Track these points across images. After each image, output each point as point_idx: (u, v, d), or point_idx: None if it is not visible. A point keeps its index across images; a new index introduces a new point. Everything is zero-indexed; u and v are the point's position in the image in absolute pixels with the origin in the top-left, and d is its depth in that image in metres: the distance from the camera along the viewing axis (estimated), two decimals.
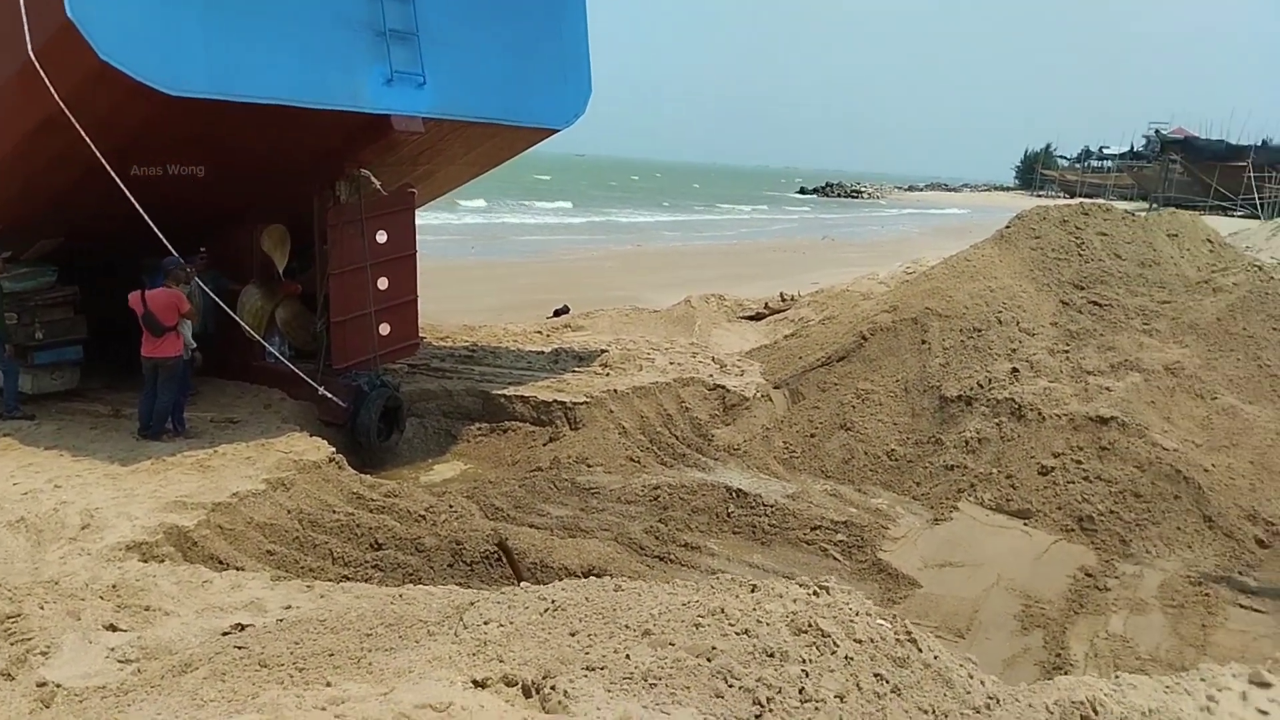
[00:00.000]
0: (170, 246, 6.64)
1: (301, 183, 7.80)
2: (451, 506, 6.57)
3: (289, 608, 3.80)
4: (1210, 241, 9.62)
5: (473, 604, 2.80)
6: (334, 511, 6.33)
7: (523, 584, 3.36)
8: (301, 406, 8.05)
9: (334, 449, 7.14)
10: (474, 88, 8.01)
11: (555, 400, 8.68)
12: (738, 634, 2.32)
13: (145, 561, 5.04)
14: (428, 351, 10.31)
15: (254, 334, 7.79)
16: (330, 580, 5.28)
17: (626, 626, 2.43)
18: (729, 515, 7.09)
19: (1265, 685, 2.81)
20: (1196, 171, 54.68)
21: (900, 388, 8.65)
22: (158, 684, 2.90)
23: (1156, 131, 65.95)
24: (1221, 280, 8.78)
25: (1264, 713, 2.69)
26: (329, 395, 7.77)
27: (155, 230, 6.45)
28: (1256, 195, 47.19)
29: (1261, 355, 7.96)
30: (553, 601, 2.74)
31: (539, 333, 12.06)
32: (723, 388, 9.16)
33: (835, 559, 6.56)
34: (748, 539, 6.85)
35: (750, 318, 13.69)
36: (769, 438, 8.63)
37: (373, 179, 7.97)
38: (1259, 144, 54.92)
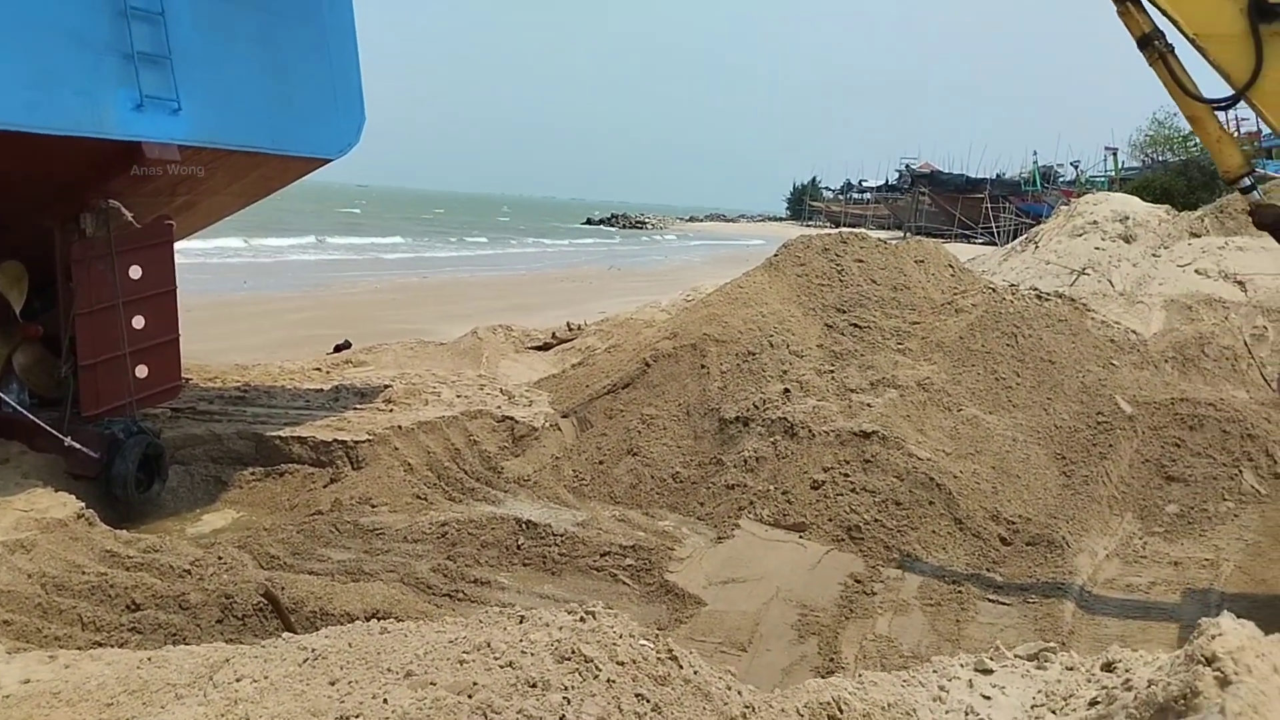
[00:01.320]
0: None
1: (42, 215, 7.15)
2: (221, 558, 6.15)
3: (26, 681, 3.43)
4: (951, 267, 10.58)
5: (227, 660, 2.64)
6: (83, 572, 5.78)
7: (287, 635, 3.20)
8: (46, 460, 7.30)
9: (84, 504, 6.52)
10: (236, 115, 7.63)
11: (336, 439, 8.34)
12: (502, 667, 2.31)
13: None
14: (193, 394, 9.64)
15: None
16: (80, 648, 4.81)
17: (389, 670, 2.37)
18: (519, 547, 7.05)
19: (988, 671, 3.11)
20: (942, 202, 60.09)
21: (683, 411, 8.93)
22: None
23: (907, 166, 72.09)
24: (962, 302, 9.68)
25: (987, 697, 2.97)
26: (77, 446, 7.11)
27: None
28: (994, 224, 52.43)
29: (997, 369, 8.81)
30: (313, 650, 2.63)
31: (318, 369, 11.56)
32: (511, 419, 9.12)
33: (625, 583, 6.65)
34: (538, 570, 6.83)
35: (538, 348, 13.72)
36: (559, 467, 8.67)
37: (123, 210, 7.40)
38: (994, 177, 61.13)
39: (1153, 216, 13.46)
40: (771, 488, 7.72)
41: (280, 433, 8.47)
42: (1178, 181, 24.99)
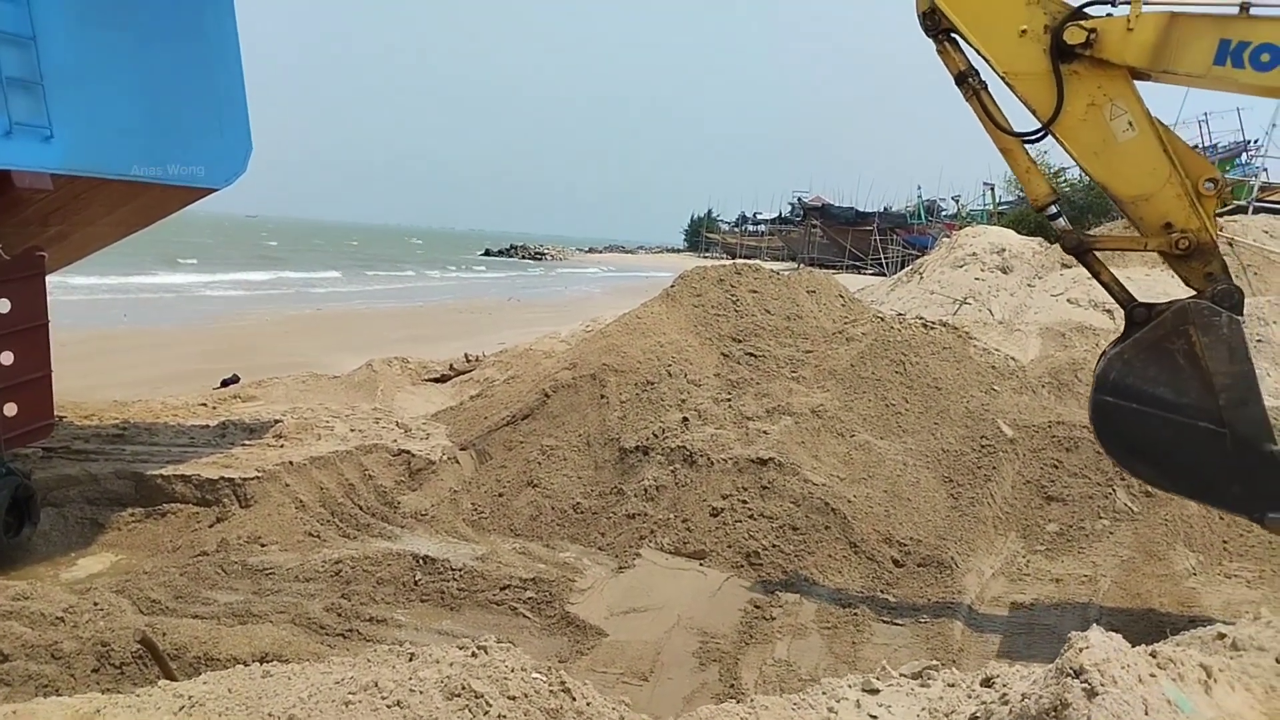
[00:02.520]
0: None
1: None
2: (97, 604, 5.85)
3: None
4: (842, 296, 10.90)
5: (98, 711, 2.50)
6: None
7: (163, 682, 3.06)
8: None
9: None
10: (114, 142, 7.35)
11: (222, 477, 8.03)
12: (389, 707, 2.26)
13: None
14: (68, 432, 9.17)
15: None
16: None
17: (270, 715, 2.29)
18: (416, 583, 6.91)
19: (875, 691, 3.19)
20: (833, 235, 61.93)
21: (583, 442, 8.92)
22: None
23: (799, 199, 74.15)
24: (853, 331, 9.97)
25: (874, 716, 3.04)
26: None
27: None
28: (882, 255, 54.24)
29: (887, 395, 9.09)
30: (190, 698, 2.52)
31: (204, 405, 11.14)
32: (408, 452, 8.95)
33: (525, 616, 6.58)
34: (436, 606, 6.70)
35: (435, 380, 13.53)
36: (457, 500, 8.54)
37: None
38: (882, 210, 63.34)
39: (1027, 248, 14.15)
40: (672, 516, 7.77)
41: (162, 471, 8.12)
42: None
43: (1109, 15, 5.65)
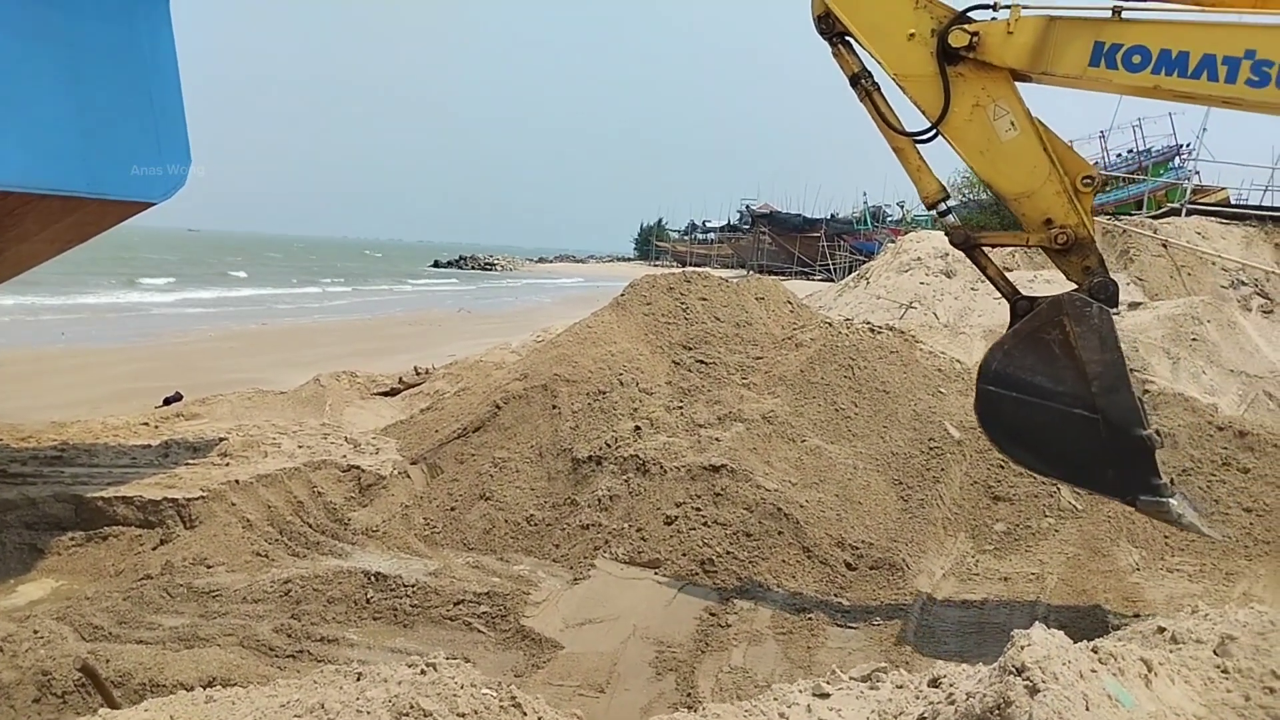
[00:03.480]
0: None
1: None
2: (36, 632, 5.65)
3: None
4: (790, 303, 10.99)
5: None
6: None
7: (105, 710, 2.98)
8: None
9: None
10: (49, 157, 7.17)
11: (166, 497, 7.85)
12: None
13: None
14: (4, 455, 8.91)
15: None
16: None
17: None
18: (368, 601, 6.82)
19: (825, 695, 3.23)
20: (782, 241, 62.49)
21: (535, 453, 8.88)
22: None
23: (747, 207, 74.69)
24: (801, 336, 10.06)
25: None
26: None
27: None
28: (831, 261, 54.83)
29: (836, 400, 9.18)
30: None
31: (146, 424, 10.88)
32: (358, 468, 8.83)
33: (480, 631, 6.53)
34: (389, 623, 6.62)
35: (384, 393, 13.37)
36: (409, 515, 8.45)
37: None
38: (829, 216, 64.08)
39: None
40: (626, 525, 7.76)
41: (103, 493, 7.92)
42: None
43: (992, 19, 5.91)
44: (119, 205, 8.25)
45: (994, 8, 5.91)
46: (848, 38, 6.26)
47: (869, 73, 6.32)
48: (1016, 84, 5.96)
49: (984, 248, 6.50)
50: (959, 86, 5.92)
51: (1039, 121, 5.95)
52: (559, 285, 64.18)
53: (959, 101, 5.93)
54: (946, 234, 6.54)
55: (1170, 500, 5.90)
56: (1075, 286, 6.09)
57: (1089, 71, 5.68)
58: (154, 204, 8.45)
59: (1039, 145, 5.90)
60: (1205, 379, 10.61)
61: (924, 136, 6.17)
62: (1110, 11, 5.64)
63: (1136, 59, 5.55)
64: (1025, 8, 5.82)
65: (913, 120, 6.24)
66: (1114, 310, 6.01)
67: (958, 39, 5.82)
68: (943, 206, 6.37)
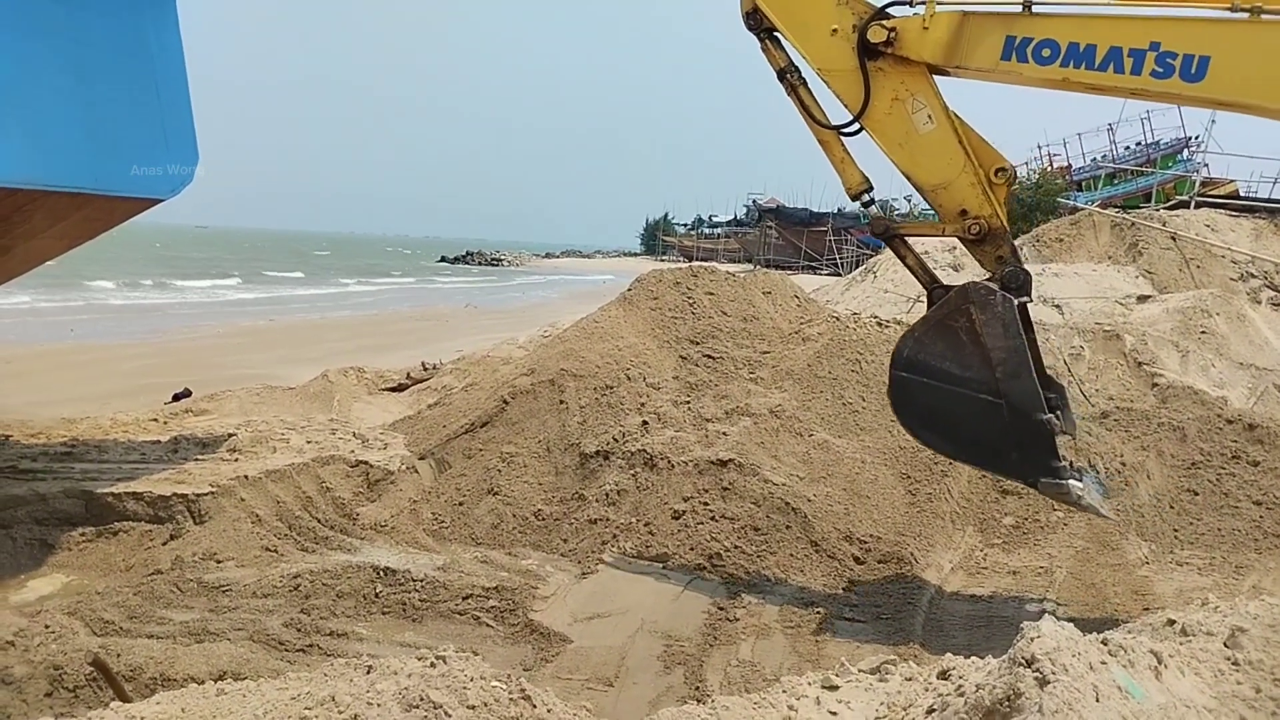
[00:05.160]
0: None
1: None
2: (48, 627, 5.71)
3: None
4: (797, 297, 10.97)
5: None
6: None
7: (116, 704, 2.99)
8: None
9: None
10: (55, 153, 7.20)
11: (175, 493, 7.88)
12: None
13: None
14: (14, 451, 8.95)
15: None
16: None
17: None
18: (377, 595, 6.83)
19: (834, 688, 3.23)
20: (788, 236, 62.33)
21: (543, 448, 8.89)
22: None
23: (754, 201, 74.49)
24: (809, 330, 10.04)
25: (833, 713, 3.08)
26: None
27: None
28: (837, 255, 54.69)
29: (844, 394, 9.17)
30: (141, 719, 2.47)
31: (155, 420, 10.92)
32: (366, 463, 8.86)
33: (488, 626, 6.54)
34: (398, 618, 6.64)
35: (392, 389, 13.40)
36: (417, 510, 8.47)
37: None
38: (836, 211, 63.89)
39: None
40: (634, 520, 7.77)
41: (113, 489, 7.95)
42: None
43: (909, 15, 6.03)
44: (127, 202, 8.29)
45: (910, 4, 6.04)
46: (775, 33, 6.43)
47: (795, 67, 6.47)
48: (934, 78, 6.08)
49: (904, 237, 6.64)
50: (879, 81, 6.06)
51: (955, 115, 6.08)
52: (566, 280, 64.11)
53: (879, 95, 6.07)
54: (869, 224, 6.71)
55: (1069, 482, 6.00)
56: (989, 276, 6.21)
57: (1001, 65, 5.79)
58: (162, 200, 8.49)
59: (955, 138, 6.03)
60: (1214, 372, 10.57)
61: (847, 129, 6.32)
62: (1021, 6, 5.76)
63: (1046, 52, 5.67)
64: (940, 3, 5.94)
65: (838, 114, 6.36)
66: (1026, 299, 6.16)
67: (876, 34, 5.96)
68: (866, 198, 6.52)
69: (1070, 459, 6.69)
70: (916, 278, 6.67)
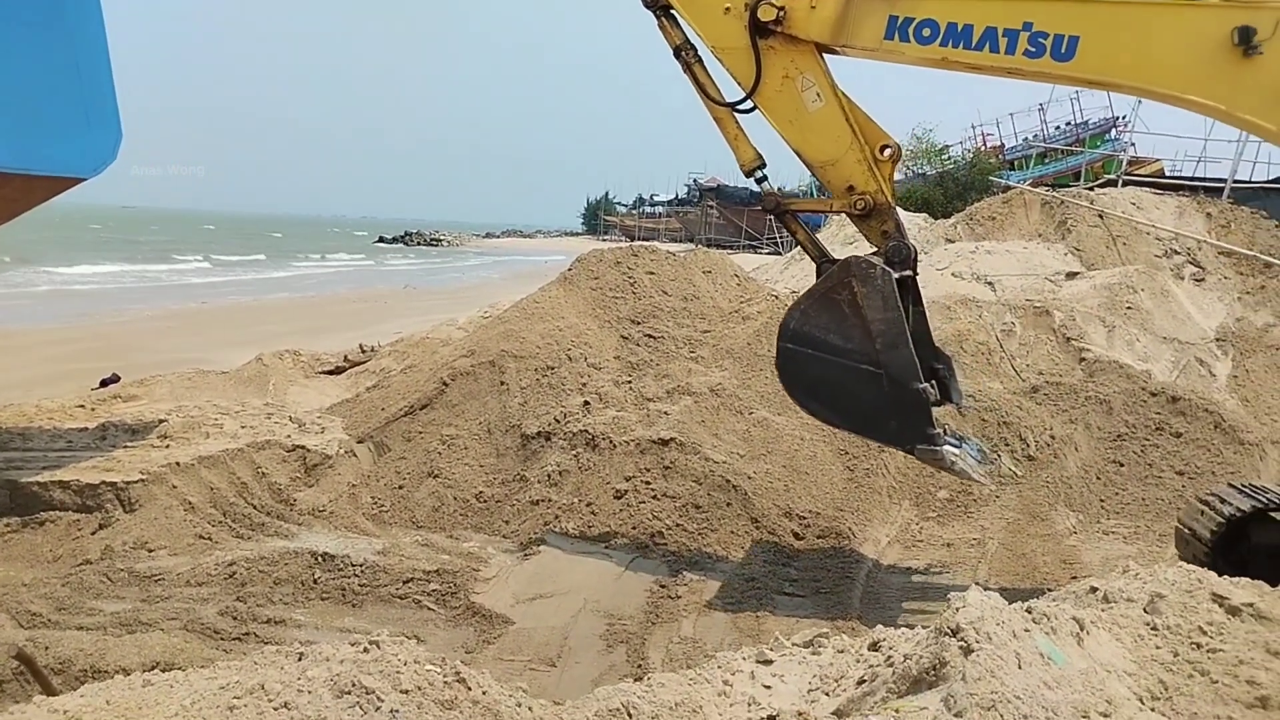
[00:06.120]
0: None
1: None
2: None
3: None
4: (737, 276, 11.04)
5: None
6: None
7: (41, 698, 2.91)
8: None
9: None
10: None
11: (104, 481, 7.67)
12: (276, 709, 2.21)
13: None
14: None
15: None
16: None
17: None
18: (316, 581, 6.75)
19: (768, 662, 3.28)
20: (729, 215, 62.54)
21: (484, 430, 8.83)
22: None
23: (695, 180, 74.52)
24: (748, 309, 10.12)
25: (768, 686, 3.13)
26: None
27: None
28: (777, 235, 55.05)
29: None
30: (66, 712, 2.41)
31: (82, 407, 10.60)
32: (303, 448, 8.72)
33: (430, 609, 6.50)
34: (337, 603, 6.56)
35: (329, 372, 13.18)
36: (356, 495, 8.37)
37: None
38: (777, 190, 64.23)
39: (913, 224, 14.58)
40: (576, 500, 7.78)
41: (38, 478, 7.73)
42: (935, 192, 27.17)
43: None
44: (46, 181, 7.99)
45: None
46: (671, 10, 6.53)
47: (691, 45, 6.57)
48: (824, 57, 6.20)
49: (794, 213, 6.82)
50: (769, 59, 6.18)
51: (843, 94, 6.21)
52: (507, 260, 63.58)
53: (770, 73, 6.20)
54: (760, 200, 6.77)
55: (943, 448, 6.18)
56: (874, 250, 6.41)
57: (885, 44, 5.95)
58: (84, 179, 8.19)
59: (842, 116, 6.19)
60: (1139, 346, 10.89)
61: (741, 107, 6.42)
62: None
63: (926, 32, 5.84)
64: None
65: (733, 92, 6.46)
66: (909, 273, 6.37)
67: (766, 13, 6.07)
68: (759, 174, 6.65)
69: (947, 426, 6.90)
70: (806, 252, 6.81)
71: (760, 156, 6.57)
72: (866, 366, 6.09)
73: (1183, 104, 5.64)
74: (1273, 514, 5.60)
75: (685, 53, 6.55)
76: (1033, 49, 5.63)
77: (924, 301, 6.81)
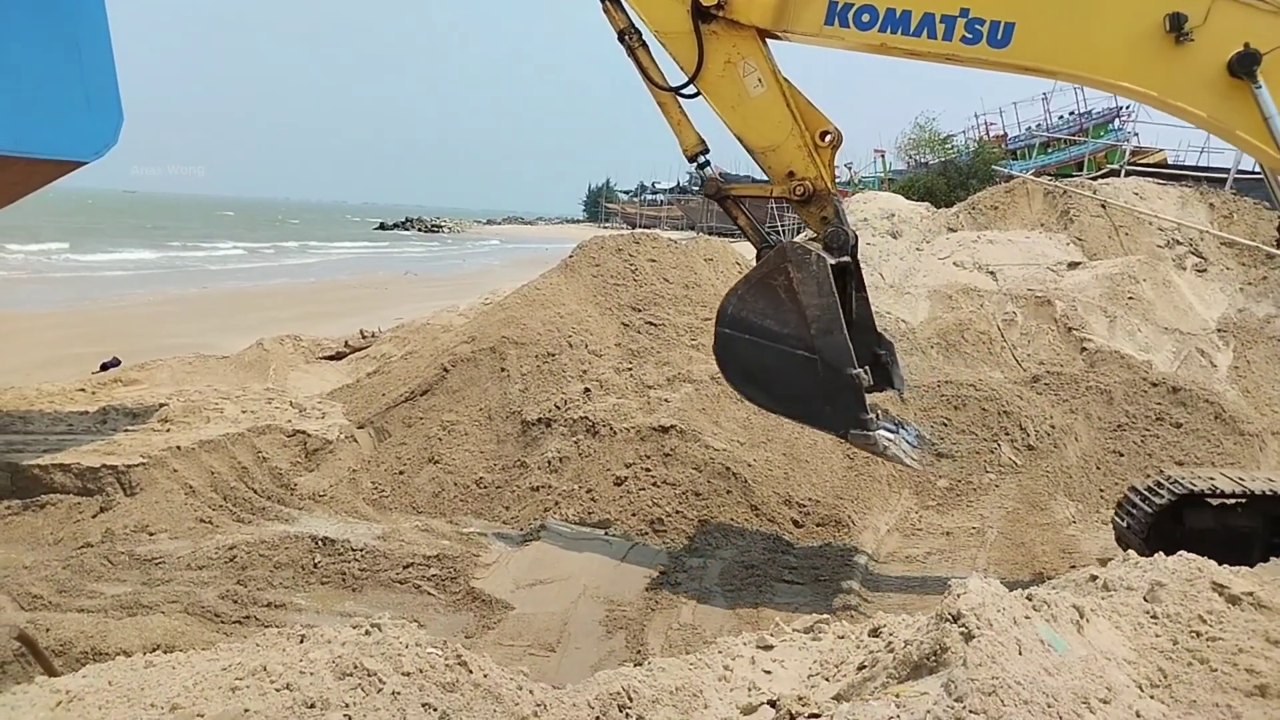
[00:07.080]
0: None
1: None
2: None
3: None
4: (738, 264, 11.02)
5: None
6: None
7: (43, 679, 2.92)
8: None
9: None
10: None
11: (105, 464, 7.69)
12: (278, 690, 2.22)
13: None
14: None
15: None
16: None
17: (153, 705, 2.22)
18: (316, 566, 6.77)
19: (769, 648, 3.29)
20: None
21: (484, 416, 8.84)
22: None
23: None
24: None
25: (768, 671, 3.14)
26: None
27: None
28: (779, 223, 54.94)
29: None
30: (68, 693, 2.42)
31: (82, 390, 10.60)
32: (303, 433, 8.72)
33: (430, 594, 6.52)
34: (337, 588, 6.58)
35: (330, 358, 13.18)
36: (356, 479, 8.38)
37: None
38: None
39: (915, 213, 14.55)
40: (576, 487, 7.78)
41: (39, 461, 7.74)
42: (938, 181, 27.15)
43: None
44: (47, 164, 7.96)
45: None
46: None
47: (635, 29, 6.54)
48: (767, 43, 6.18)
49: (735, 199, 6.80)
50: (712, 44, 6.16)
51: (785, 79, 6.19)
52: (508, 247, 63.53)
53: (712, 58, 6.19)
54: (701, 185, 6.80)
55: (876, 433, 6.16)
56: (813, 236, 6.41)
57: (825, 30, 5.94)
58: (85, 163, 8.17)
59: (783, 101, 6.16)
60: (1140, 337, 10.88)
61: (684, 91, 6.42)
62: None
63: (866, 17, 5.83)
64: None
65: (676, 77, 6.45)
66: (846, 259, 6.36)
67: None
68: (702, 159, 6.62)
69: (883, 410, 6.84)
70: (747, 238, 6.82)
71: (703, 141, 6.57)
72: (802, 352, 6.09)
73: (1117, 90, 5.63)
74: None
75: (629, 37, 6.54)
76: (969, 35, 5.64)
77: (866, 288, 6.81)
